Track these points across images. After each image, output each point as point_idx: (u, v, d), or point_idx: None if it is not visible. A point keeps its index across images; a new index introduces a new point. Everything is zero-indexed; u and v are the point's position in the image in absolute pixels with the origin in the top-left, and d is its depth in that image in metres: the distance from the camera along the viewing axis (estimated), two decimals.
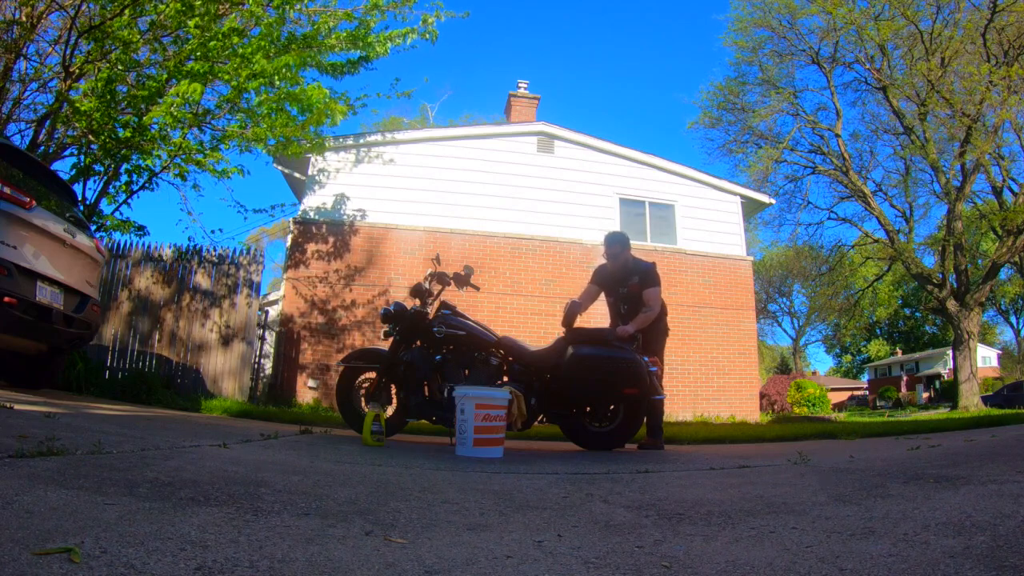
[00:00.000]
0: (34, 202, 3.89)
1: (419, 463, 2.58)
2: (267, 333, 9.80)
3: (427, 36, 6.85)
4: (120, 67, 6.23)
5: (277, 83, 6.42)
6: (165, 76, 6.50)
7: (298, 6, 6.56)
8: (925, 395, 33.60)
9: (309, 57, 6.57)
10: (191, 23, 5.94)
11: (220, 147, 7.06)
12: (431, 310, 4.20)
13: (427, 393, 4.00)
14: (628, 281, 4.33)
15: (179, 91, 6.01)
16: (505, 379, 4.04)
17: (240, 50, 6.13)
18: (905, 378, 37.98)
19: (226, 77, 6.36)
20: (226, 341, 7.26)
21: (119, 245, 7.23)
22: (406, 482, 1.96)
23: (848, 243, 21.15)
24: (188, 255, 7.46)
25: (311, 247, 9.07)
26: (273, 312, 10.42)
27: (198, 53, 6.06)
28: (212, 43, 6.02)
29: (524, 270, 9.56)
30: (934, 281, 17.77)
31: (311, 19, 6.81)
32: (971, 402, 16.18)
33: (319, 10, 6.81)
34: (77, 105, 6.04)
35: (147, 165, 6.90)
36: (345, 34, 6.77)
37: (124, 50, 6.17)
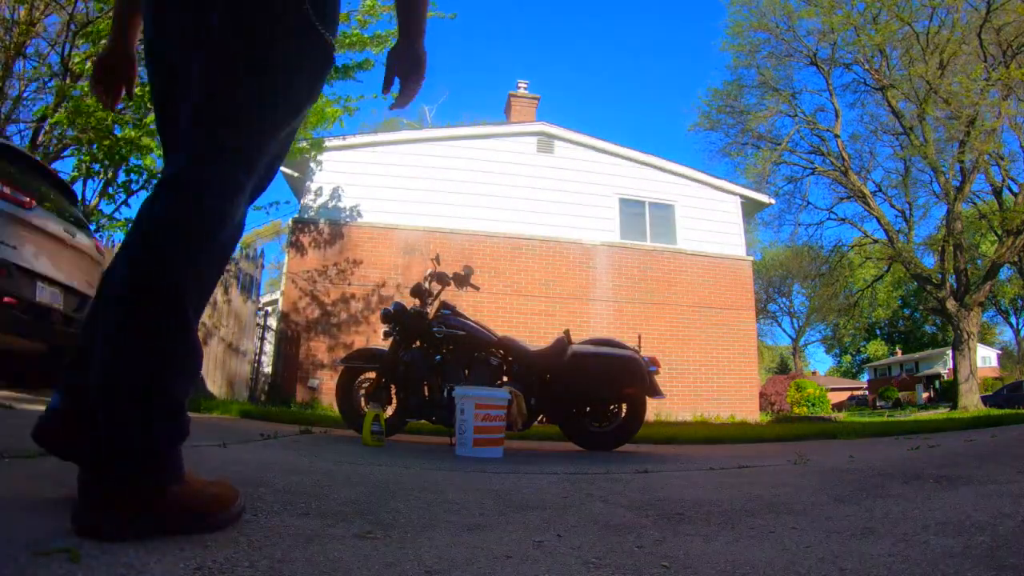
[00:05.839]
0: (34, 202, 3.89)
1: (419, 463, 2.58)
2: (267, 333, 9.80)
3: None
4: None
5: None
6: None
7: None
8: (925, 395, 33.57)
9: None
10: None
11: None
12: (431, 310, 4.21)
13: (427, 393, 4.00)
14: None
15: None
16: (505, 379, 4.04)
17: None
18: (901, 376, 37.95)
19: None
20: (226, 341, 7.26)
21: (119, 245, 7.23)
22: (406, 482, 1.96)
23: (848, 243, 21.17)
24: None
25: (310, 247, 9.08)
26: (272, 312, 10.41)
27: None
28: None
29: (524, 270, 9.56)
30: (934, 281, 17.77)
31: None
32: (971, 402, 16.18)
33: None
34: (77, 105, 6.04)
35: (146, 165, 6.90)
36: (342, 36, 6.77)
37: None
